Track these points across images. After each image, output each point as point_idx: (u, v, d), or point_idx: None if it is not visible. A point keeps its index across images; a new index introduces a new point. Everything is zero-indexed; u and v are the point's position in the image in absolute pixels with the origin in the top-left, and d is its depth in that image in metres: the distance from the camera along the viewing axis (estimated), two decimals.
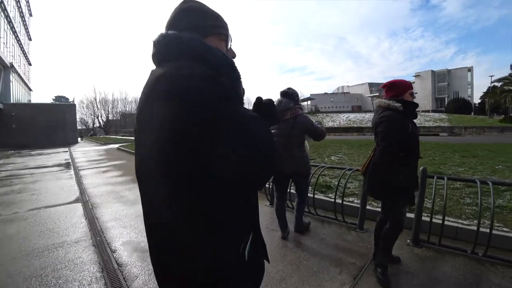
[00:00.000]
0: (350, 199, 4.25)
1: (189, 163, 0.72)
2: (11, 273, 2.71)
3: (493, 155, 8.61)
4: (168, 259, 0.80)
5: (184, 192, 0.73)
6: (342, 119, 46.63)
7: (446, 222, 2.92)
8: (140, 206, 0.89)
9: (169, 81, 0.75)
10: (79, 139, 38.25)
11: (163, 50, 0.84)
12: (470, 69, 66.45)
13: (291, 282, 2.44)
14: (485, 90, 52.74)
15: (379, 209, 3.03)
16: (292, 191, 3.54)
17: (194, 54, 0.80)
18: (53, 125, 29.48)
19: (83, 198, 5.62)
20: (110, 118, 71.07)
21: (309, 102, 63.59)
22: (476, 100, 61.13)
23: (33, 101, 40.65)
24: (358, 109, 67.34)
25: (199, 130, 0.70)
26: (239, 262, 0.81)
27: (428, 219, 2.96)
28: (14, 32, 30.75)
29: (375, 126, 2.38)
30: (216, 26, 0.94)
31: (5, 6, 26.61)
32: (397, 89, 2.37)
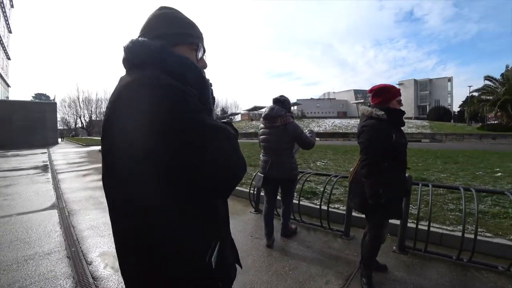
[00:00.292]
0: (336, 205, 4.21)
1: (156, 170, 0.73)
2: None
3: (474, 161, 8.87)
4: (131, 266, 0.82)
5: (151, 199, 0.74)
6: (328, 125, 47.18)
7: (431, 229, 2.92)
8: None
9: (133, 90, 0.76)
10: (59, 139, 36.65)
11: (132, 56, 0.85)
12: (450, 79, 69.36)
13: None
14: (463, 99, 55.08)
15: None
16: (278, 197, 3.49)
17: (161, 63, 0.81)
18: (31, 124, 27.70)
19: (60, 204, 5.32)
20: (93, 118, 68.35)
21: (295, 107, 64.16)
22: (456, 108, 63.76)
23: (11, 98, 38.62)
24: (343, 115, 68.41)
25: (162, 138, 0.70)
26: (205, 269, 0.81)
27: (413, 225, 2.95)
28: None
29: (358, 135, 2.31)
30: (188, 35, 0.94)
31: None
32: (384, 95, 2.25)
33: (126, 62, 0.88)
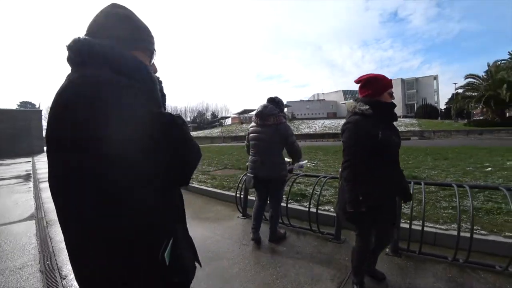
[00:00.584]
0: (326, 207, 4.05)
1: (109, 165, 0.72)
2: None
3: (463, 157, 8.92)
4: (89, 265, 0.80)
5: (105, 194, 0.74)
6: (318, 126, 47.32)
7: (424, 228, 2.79)
8: None
9: (78, 89, 0.76)
10: (45, 148, 35.90)
11: (74, 55, 0.82)
12: (435, 78, 70.59)
13: None
14: (449, 96, 55.92)
15: None
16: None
17: (105, 61, 0.80)
18: (17, 133, 27.05)
19: (38, 215, 5.04)
20: None
21: (286, 109, 64.26)
22: (442, 105, 64.85)
23: None
24: (333, 115, 68.76)
25: (109, 134, 0.70)
26: (160, 265, 0.82)
27: (406, 226, 2.83)
28: None
29: (341, 133, 2.05)
30: (141, 40, 0.93)
31: None
32: (374, 86, 1.99)
33: (70, 61, 0.85)
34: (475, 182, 5.24)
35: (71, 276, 2.72)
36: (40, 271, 2.87)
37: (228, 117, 78.64)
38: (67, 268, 2.89)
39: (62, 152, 0.77)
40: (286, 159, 3.29)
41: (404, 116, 57.16)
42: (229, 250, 3.15)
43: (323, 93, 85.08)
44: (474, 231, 2.87)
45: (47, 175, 0.83)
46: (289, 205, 3.84)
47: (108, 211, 0.75)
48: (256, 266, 2.77)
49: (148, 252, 0.80)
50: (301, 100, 79.24)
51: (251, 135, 3.23)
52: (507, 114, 35.71)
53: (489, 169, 6.49)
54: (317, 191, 3.75)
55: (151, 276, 0.81)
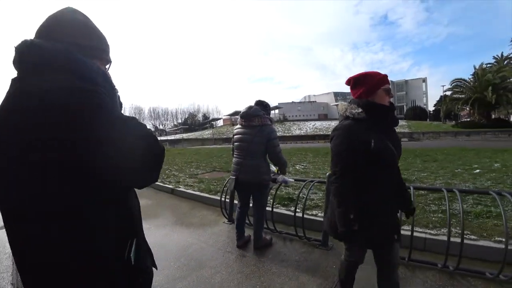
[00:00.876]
0: (314, 212, 3.92)
1: (79, 171, 0.73)
2: None
3: (452, 158, 8.96)
4: (52, 270, 0.77)
5: (67, 198, 0.73)
6: (309, 127, 47.43)
7: (414, 233, 2.70)
8: None
9: (47, 95, 0.73)
10: None
11: (27, 59, 0.78)
12: (424, 80, 72.03)
13: None
14: (438, 98, 56.87)
15: None
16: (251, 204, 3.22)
17: (66, 66, 0.78)
18: None
19: None
20: None
21: (277, 110, 64.24)
22: (431, 107, 65.95)
23: None
24: (324, 117, 69.08)
25: (75, 138, 0.70)
26: (125, 265, 0.83)
27: None
28: None
29: (330, 140, 1.79)
30: (99, 49, 0.92)
31: None
32: (365, 84, 1.70)
33: (18, 65, 0.80)
34: (464, 184, 5.21)
35: None
36: (12, 283, 2.68)
37: (220, 119, 78.41)
38: None
39: (32, 153, 0.73)
40: (273, 168, 3.19)
41: None
42: (213, 258, 3.00)
43: (314, 95, 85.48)
44: (465, 236, 2.79)
45: None
46: (275, 210, 3.69)
47: (72, 217, 0.75)
48: (239, 275, 2.62)
49: (115, 253, 0.82)
50: (292, 102, 79.42)
51: (235, 136, 3.15)
52: (493, 116, 36.44)
53: (478, 171, 6.49)
54: (305, 195, 3.62)
55: (119, 277, 0.82)
